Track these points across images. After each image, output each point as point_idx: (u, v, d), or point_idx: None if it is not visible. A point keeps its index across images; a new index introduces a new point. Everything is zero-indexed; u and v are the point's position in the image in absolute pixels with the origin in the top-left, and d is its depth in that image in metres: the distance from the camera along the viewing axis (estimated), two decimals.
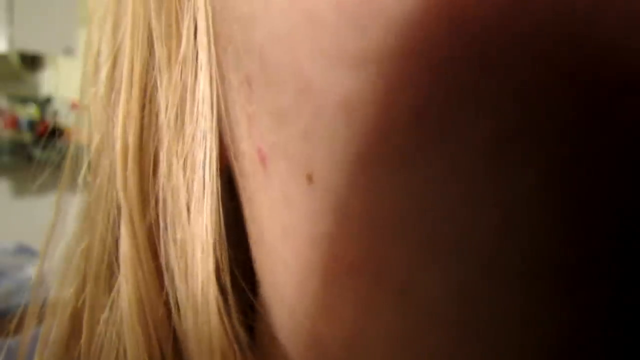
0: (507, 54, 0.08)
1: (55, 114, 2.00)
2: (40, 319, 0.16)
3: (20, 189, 1.98)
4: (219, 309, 0.12)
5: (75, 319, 0.15)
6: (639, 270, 0.08)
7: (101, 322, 0.14)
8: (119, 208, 0.14)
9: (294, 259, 0.11)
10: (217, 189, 0.13)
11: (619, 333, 0.08)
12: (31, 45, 1.80)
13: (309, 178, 0.10)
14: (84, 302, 0.14)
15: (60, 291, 0.15)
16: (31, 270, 1.32)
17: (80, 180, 0.15)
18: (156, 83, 0.13)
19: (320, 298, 0.11)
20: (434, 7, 0.08)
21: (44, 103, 2.01)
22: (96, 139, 0.14)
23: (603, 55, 0.07)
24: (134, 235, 0.13)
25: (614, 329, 0.08)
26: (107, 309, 0.14)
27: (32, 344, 0.16)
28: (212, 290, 0.12)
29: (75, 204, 0.16)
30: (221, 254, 0.13)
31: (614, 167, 0.08)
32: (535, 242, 0.08)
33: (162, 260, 0.13)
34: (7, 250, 1.47)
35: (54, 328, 0.15)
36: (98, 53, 0.15)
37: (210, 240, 0.13)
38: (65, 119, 1.95)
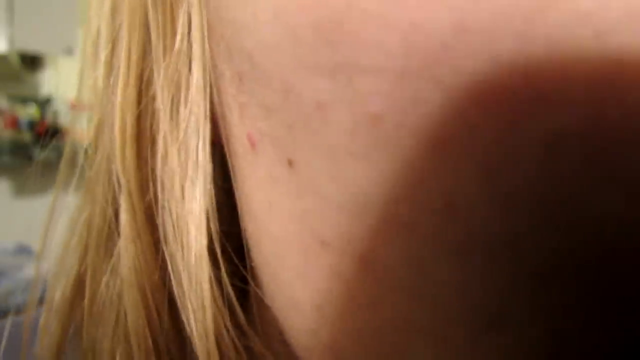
0: (447, 71, 0.09)
1: (55, 114, 2.01)
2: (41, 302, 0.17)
3: (20, 189, 1.98)
4: (210, 276, 0.14)
5: (79, 282, 0.16)
6: (562, 252, 0.10)
7: (102, 284, 0.15)
8: (118, 182, 0.15)
9: (277, 231, 0.13)
10: (210, 169, 0.14)
11: (541, 302, 0.10)
12: (31, 45, 1.80)
13: (290, 162, 0.12)
14: (86, 267, 0.16)
15: (64, 258, 0.16)
16: (31, 270, 1.33)
17: (81, 156, 0.16)
18: (153, 69, 0.14)
19: (297, 266, 0.12)
20: (393, 29, 0.09)
21: (44, 103, 2.02)
22: (95, 119, 0.15)
23: (530, 74, 0.09)
24: (132, 209, 0.15)
25: (535, 298, 0.10)
26: (108, 272, 0.15)
27: (37, 321, 0.17)
28: (205, 262, 0.14)
29: (71, 200, 0.17)
30: (214, 229, 0.14)
31: (539, 167, 0.09)
32: (472, 224, 0.10)
33: (160, 232, 0.14)
34: (7, 250, 1.47)
35: (59, 291, 0.16)
36: (97, 39, 0.15)
37: (204, 216, 0.14)
38: (65, 119, 1.96)
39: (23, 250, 1.49)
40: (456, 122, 0.09)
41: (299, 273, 0.12)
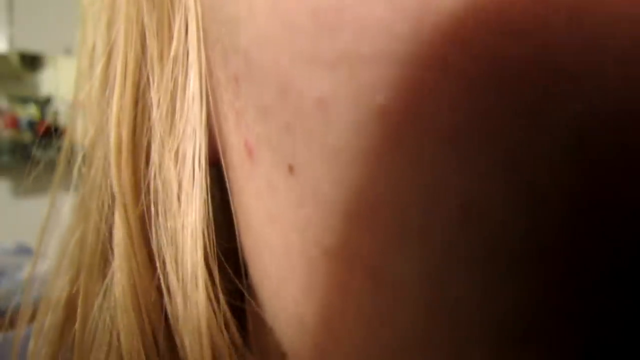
0: (458, 53, 0.08)
1: (55, 114, 2.01)
2: (33, 316, 0.16)
3: (20, 189, 1.98)
4: (207, 294, 0.13)
5: (70, 305, 0.16)
6: (596, 255, 0.09)
7: (95, 307, 0.15)
8: (112, 198, 0.14)
9: (277, 244, 0.12)
10: (206, 180, 0.14)
11: (574, 311, 0.09)
12: (31, 45, 1.80)
13: (290, 168, 0.11)
14: (78, 289, 0.15)
15: (55, 280, 0.16)
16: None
17: (75, 171, 0.16)
18: (149, 79, 0.14)
19: (301, 281, 0.11)
20: (400, 11, 0.08)
21: (44, 103, 2.01)
22: (91, 131, 0.15)
23: (550, 52, 0.08)
24: (127, 225, 0.14)
25: (567, 308, 0.09)
26: (101, 295, 0.15)
27: (26, 339, 0.16)
28: (201, 275, 0.13)
29: (69, 200, 0.16)
30: (210, 242, 0.14)
31: (567, 157, 0.08)
32: (494, 228, 0.09)
33: (154, 248, 0.14)
34: (7, 250, 1.47)
35: (49, 315, 0.16)
36: (93, 49, 0.15)
37: (199, 229, 0.13)
38: (66, 119, 1.95)
39: (23, 250, 1.49)
40: (473, 111, 0.08)
41: (303, 288, 0.11)
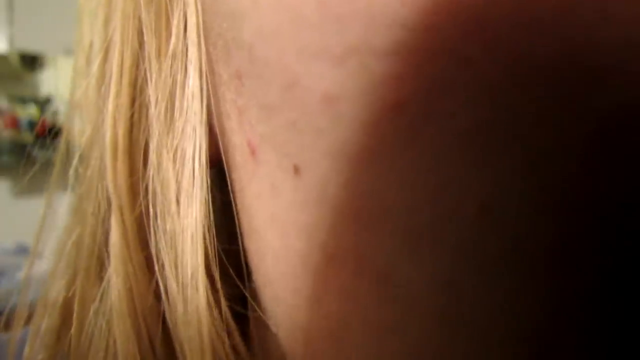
0: (480, 49, 0.08)
1: (55, 114, 2.00)
2: (29, 317, 0.16)
3: (20, 189, 1.98)
4: (207, 299, 0.13)
5: (66, 310, 0.15)
6: (621, 258, 0.08)
7: (91, 312, 0.14)
8: (109, 200, 0.14)
9: (281, 247, 0.11)
10: (206, 181, 0.13)
11: (598, 318, 0.08)
12: (31, 45, 1.80)
13: (296, 168, 0.10)
14: (74, 293, 0.15)
15: (52, 283, 0.16)
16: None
17: (71, 173, 0.15)
18: (146, 77, 0.14)
19: (305, 287, 0.11)
20: (415, 4, 0.08)
21: (44, 103, 2.01)
22: (87, 131, 0.15)
23: (576, 47, 0.07)
24: (123, 228, 0.14)
25: (594, 315, 0.09)
26: (98, 299, 0.14)
27: (23, 342, 0.16)
28: (201, 279, 0.13)
29: (67, 200, 0.16)
30: (210, 245, 0.13)
31: (590, 154, 0.08)
32: (514, 230, 0.08)
33: (152, 251, 0.13)
34: (7, 250, 1.47)
35: (45, 319, 0.15)
36: (90, 46, 0.15)
37: (200, 231, 0.13)
38: (63, 118, 1.95)
39: (23, 250, 1.49)
40: (493, 109, 0.08)
41: (308, 295, 0.11)
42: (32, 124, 1.96)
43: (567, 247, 0.08)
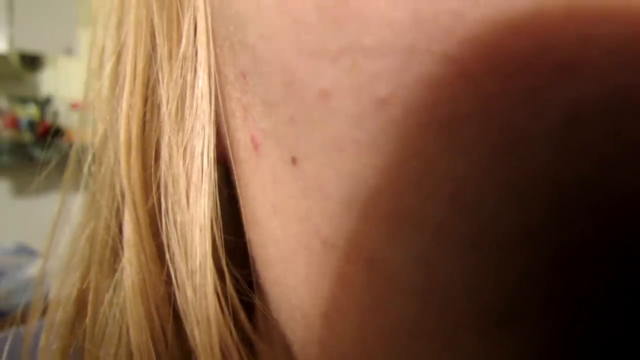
0: (459, 46, 0.09)
1: (55, 114, 2.01)
2: (44, 311, 0.17)
3: (20, 189, 1.98)
4: (215, 286, 0.13)
5: (81, 301, 0.16)
6: (582, 240, 0.09)
7: (105, 302, 0.15)
8: (122, 195, 0.15)
9: (281, 235, 0.12)
10: (214, 176, 0.14)
11: (560, 294, 0.09)
12: (31, 45, 1.80)
13: (294, 160, 0.11)
14: (88, 284, 0.15)
15: (66, 277, 0.16)
16: (31, 270, 1.33)
17: (85, 169, 0.16)
18: (158, 78, 0.14)
19: (302, 271, 0.12)
20: (401, 3, 0.09)
21: (44, 103, 2.01)
22: (100, 130, 0.15)
23: (543, 40, 0.08)
24: (136, 221, 0.14)
25: (553, 292, 0.09)
26: (111, 289, 0.15)
27: (37, 334, 0.17)
28: (209, 267, 0.13)
29: (77, 200, 0.17)
30: (218, 236, 0.14)
31: (557, 141, 0.08)
32: (481, 214, 0.09)
33: (164, 241, 0.14)
34: (7, 250, 1.47)
35: (60, 312, 0.16)
36: (103, 50, 0.16)
37: (208, 223, 0.14)
38: (65, 119, 1.95)
39: (23, 250, 1.49)
40: (469, 99, 0.09)
41: (304, 279, 0.12)
42: (32, 124, 1.96)
43: (531, 230, 0.09)
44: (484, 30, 0.08)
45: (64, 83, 1.98)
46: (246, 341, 0.14)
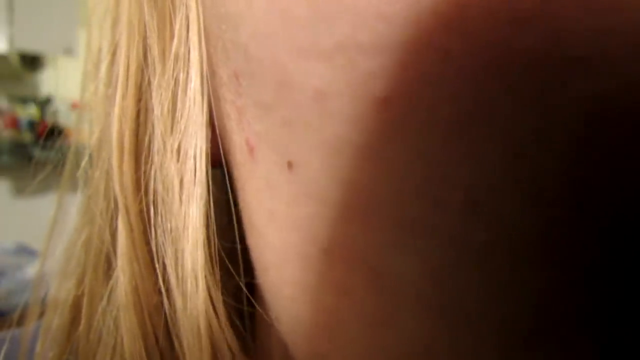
0: (461, 42, 0.08)
1: (55, 114, 2.00)
2: (41, 313, 0.16)
3: (20, 189, 1.98)
4: (207, 295, 0.13)
5: (76, 308, 0.15)
6: (603, 247, 0.08)
7: (99, 311, 0.15)
8: (116, 201, 0.14)
9: (278, 242, 0.12)
10: (207, 179, 0.14)
11: (582, 309, 0.09)
12: (31, 45, 1.80)
13: (289, 164, 0.11)
14: (83, 292, 0.15)
15: (62, 283, 0.16)
16: (31, 270, 1.33)
17: (80, 175, 0.16)
18: (150, 78, 0.14)
19: (300, 280, 0.11)
20: (400, 2, 0.08)
21: (44, 103, 2.01)
22: (96, 132, 0.15)
23: (556, 38, 0.08)
24: (129, 228, 0.14)
25: (580, 306, 0.09)
26: (105, 298, 0.14)
27: (34, 337, 0.16)
28: (201, 276, 0.13)
29: (75, 201, 0.16)
30: (211, 243, 0.13)
31: (573, 144, 0.08)
32: (498, 222, 0.09)
33: (153, 248, 0.14)
34: (7, 250, 1.47)
35: (56, 317, 0.16)
36: (98, 50, 0.15)
37: (201, 229, 0.13)
38: (66, 119, 1.95)
39: (23, 250, 1.49)
40: (477, 102, 0.08)
41: (302, 288, 0.11)
42: (32, 124, 1.95)
43: (552, 237, 0.08)
44: (487, 23, 0.08)
45: (64, 83, 1.98)
46: (247, 352, 0.14)
